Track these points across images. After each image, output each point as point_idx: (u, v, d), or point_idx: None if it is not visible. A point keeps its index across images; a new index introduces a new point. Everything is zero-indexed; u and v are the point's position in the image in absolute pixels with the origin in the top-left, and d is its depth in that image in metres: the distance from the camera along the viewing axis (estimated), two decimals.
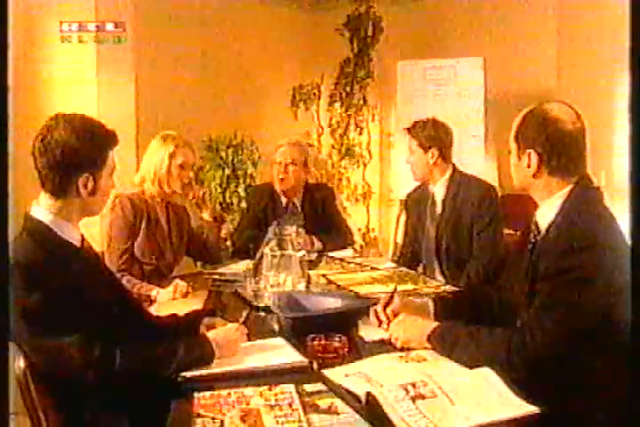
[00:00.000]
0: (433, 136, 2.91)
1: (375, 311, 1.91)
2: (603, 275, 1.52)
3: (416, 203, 3.12)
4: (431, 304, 1.94)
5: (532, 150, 1.66)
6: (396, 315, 1.85)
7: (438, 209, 2.95)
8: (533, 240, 1.72)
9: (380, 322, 1.88)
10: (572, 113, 1.68)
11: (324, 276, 2.60)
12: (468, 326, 1.67)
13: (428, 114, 3.14)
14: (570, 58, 4.36)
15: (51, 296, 1.50)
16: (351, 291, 2.39)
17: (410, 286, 2.45)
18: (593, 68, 4.17)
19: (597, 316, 1.52)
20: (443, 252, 2.92)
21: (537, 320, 1.56)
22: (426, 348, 1.68)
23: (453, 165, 2.96)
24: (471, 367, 1.53)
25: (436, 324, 1.73)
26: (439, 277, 2.88)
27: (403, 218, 3.56)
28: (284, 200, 3.33)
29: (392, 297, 1.94)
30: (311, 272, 2.55)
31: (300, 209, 3.33)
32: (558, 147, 1.65)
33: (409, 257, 3.11)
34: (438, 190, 2.95)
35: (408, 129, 2.96)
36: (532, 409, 1.33)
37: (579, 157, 1.68)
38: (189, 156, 2.77)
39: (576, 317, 1.52)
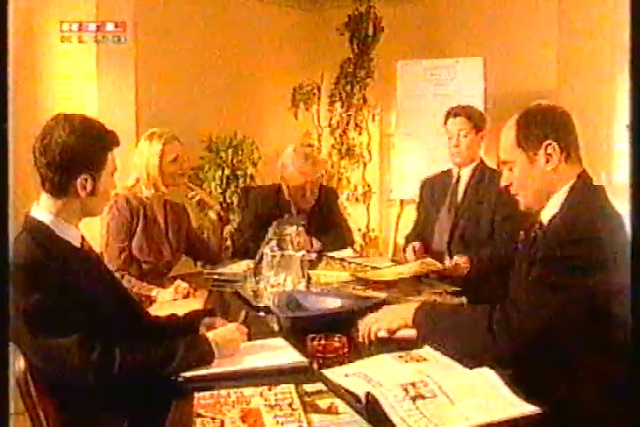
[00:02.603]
0: (482, 117, 3.08)
1: None
2: (599, 267, 1.52)
3: (432, 188, 3.16)
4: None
5: (549, 141, 1.64)
6: None
7: (459, 195, 3.00)
8: (534, 234, 1.73)
9: None
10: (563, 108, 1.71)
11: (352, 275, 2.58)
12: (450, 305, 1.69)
13: (428, 114, 3.16)
14: (570, 58, 4.36)
15: (50, 296, 1.50)
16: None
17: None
18: (593, 68, 4.17)
19: (588, 307, 1.52)
20: (456, 238, 2.94)
21: (524, 297, 1.57)
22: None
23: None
24: (455, 346, 1.56)
25: (417, 304, 1.76)
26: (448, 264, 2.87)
27: (405, 212, 3.56)
28: (294, 209, 3.29)
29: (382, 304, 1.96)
30: (311, 272, 2.55)
31: (308, 214, 3.30)
32: (572, 135, 1.67)
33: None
34: (465, 174, 3.03)
35: (460, 112, 3.03)
36: (532, 409, 1.33)
37: (579, 149, 1.69)
38: (178, 148, 2.77)
39: (564, 302, 1.52)
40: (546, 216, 1.70)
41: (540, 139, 1.66)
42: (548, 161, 1.65)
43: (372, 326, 1.78)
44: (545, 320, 1.52)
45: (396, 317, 1.76)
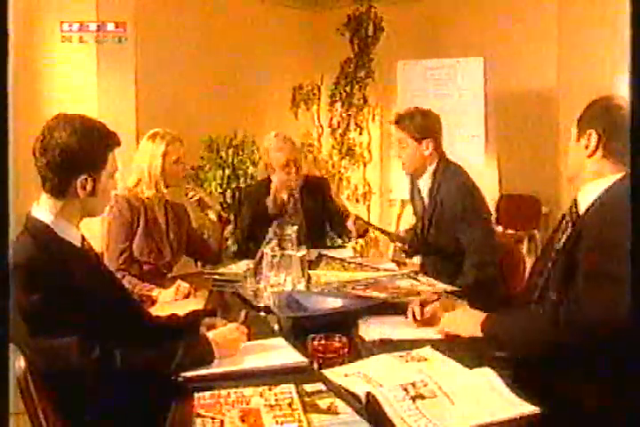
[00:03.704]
0: (425, 126, 2.77)
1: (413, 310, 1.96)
2: None
3: (412, 183, 3.00)
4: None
5: (592, 130, 1.70)
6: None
7: (425, 202, 2.85)
8: (570, 217, 1.74)
9: (416, 319, 1.94)
10: None
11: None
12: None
13: None
14: (570, 58, 4.36)
15: (50, 296, 1.50)
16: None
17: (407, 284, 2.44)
18: (593, 68, 4.17)
19: None
20: (428, 245, 2.85)
21: (583, 290, 1.57)
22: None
23: (440, 153, 2.80)
24: (525, 346, 1.61)
25: (482, 315, 1.79)
26: (428, 269, 2.84)
27: (405, 212, 3.54)
28: (285, 196, 3.33)
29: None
30: (311, 272, 2.55)
31: (300, 201, 3.34)
32: (618, 130, 1.68)
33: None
34: (423, 184, 2.83)
35: (396, 122, 2.82)
36: (532, 409, 1.33)
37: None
38: (180, 150, 2.77)
39: (622, 292, 1.51)
40: (584, 198, 1.71)
41: (586, 126, 1.72)
42: (587, 147, 1.71)
43: (450, 330, 1.83)
44: (609, 314, 1.50)
45: (469, 326, 1.79)
